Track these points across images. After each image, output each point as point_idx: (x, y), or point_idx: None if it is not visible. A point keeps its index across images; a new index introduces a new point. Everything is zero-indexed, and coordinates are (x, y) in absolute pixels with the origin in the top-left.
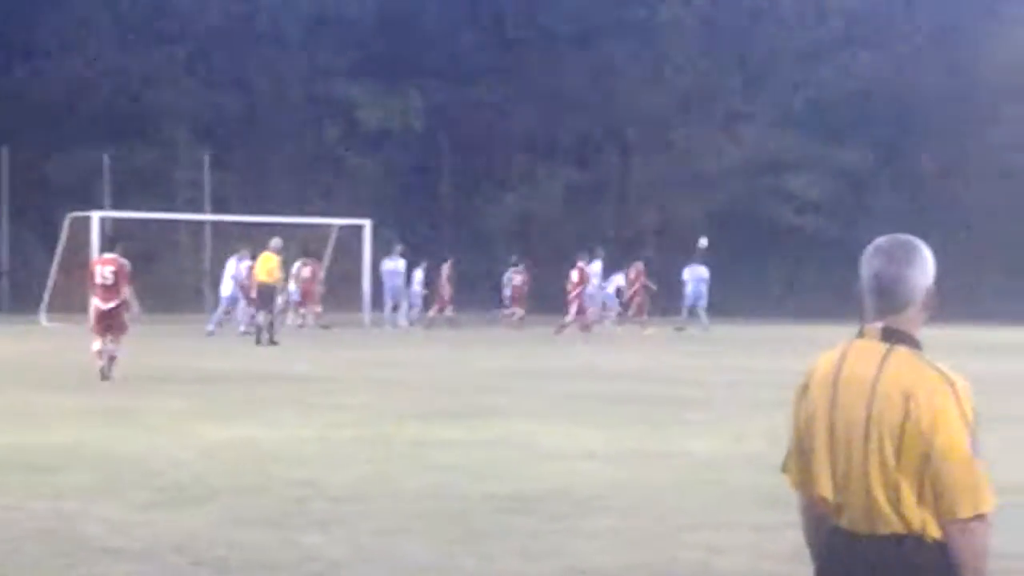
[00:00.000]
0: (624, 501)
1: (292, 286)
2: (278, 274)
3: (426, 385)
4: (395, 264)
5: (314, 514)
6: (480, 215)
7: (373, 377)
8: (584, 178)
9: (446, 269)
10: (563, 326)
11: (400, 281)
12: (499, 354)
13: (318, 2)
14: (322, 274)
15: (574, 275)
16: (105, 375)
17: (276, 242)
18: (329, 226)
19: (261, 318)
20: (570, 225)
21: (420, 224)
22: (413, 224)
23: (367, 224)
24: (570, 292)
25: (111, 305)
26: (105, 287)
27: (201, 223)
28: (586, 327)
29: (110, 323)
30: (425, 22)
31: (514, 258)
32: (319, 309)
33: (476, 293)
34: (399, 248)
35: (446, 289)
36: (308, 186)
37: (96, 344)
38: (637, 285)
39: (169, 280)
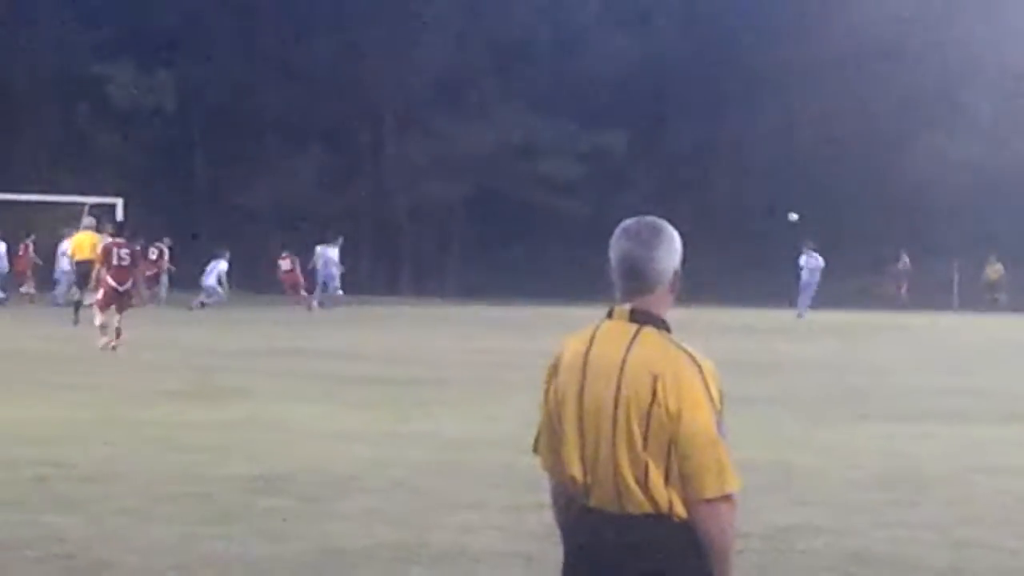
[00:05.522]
0: (377, 481)
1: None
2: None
3: (176, 365)
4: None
5: (57, 494)
6: (235, 195)
7: (119, 357)
8: (337, 160)
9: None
10: None
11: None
12: (252, 335)
13: None
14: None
15: None
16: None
17: (90, 220)
18: (80, 204)
19: (78, 294)
20: (325, 207)
21: (174, 203)
22: (166, 203)
23: (119, 203)
24: None
25: (126, 286)
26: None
27: None
28: None
29: (121, 302)
30: (177, 0)
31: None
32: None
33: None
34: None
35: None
36: (58, 164)
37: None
38: None
39: None
